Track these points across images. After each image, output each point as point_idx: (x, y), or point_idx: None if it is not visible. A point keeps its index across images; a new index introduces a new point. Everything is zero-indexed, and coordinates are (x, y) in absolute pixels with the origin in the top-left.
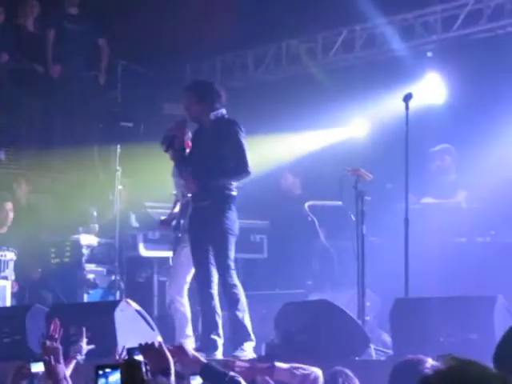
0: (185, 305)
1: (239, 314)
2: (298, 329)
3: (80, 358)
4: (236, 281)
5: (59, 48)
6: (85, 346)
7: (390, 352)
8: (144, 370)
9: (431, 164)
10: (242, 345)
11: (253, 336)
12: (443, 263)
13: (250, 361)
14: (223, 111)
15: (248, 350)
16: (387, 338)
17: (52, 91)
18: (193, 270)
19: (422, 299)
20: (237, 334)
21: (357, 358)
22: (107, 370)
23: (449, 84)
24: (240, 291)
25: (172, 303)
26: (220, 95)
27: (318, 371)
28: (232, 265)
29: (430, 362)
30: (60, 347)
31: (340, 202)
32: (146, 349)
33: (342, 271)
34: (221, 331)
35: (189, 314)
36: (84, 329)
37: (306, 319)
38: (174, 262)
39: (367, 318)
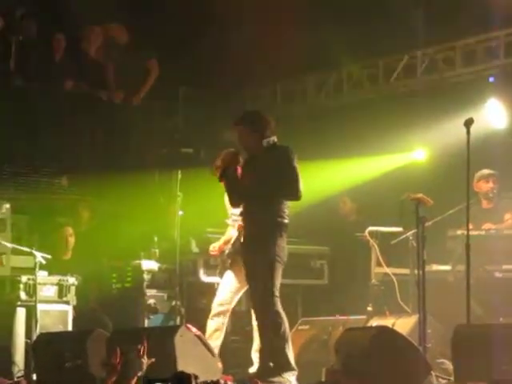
0: (222, 320)
1: (280, 342)
2: (359, 355)
3: (141, 374)
4: (279, 308)
5: (118, 77)
6: (145, 362)
7: (452, 379)
8: (194, 383)
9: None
10: (282, 373)
11: (294, 365)
12: (505, 289)
13: None
14: (274, 139)
15: (287, 379)
16: (448, 365)
17: (113, 117)
18: (238, 292)
19: (484, 326)
20: (276, 362)
21: None
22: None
23: (511, 109)
24: (282, 319)
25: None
26: (269, 122)
27: None
28: (276, 292)
29: None
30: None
31: (401, 228)
32: None
33: (403, 297)
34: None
35: (222, 332)
36: (145, 343)
37: (367, 345)
38: (222, 281)
39: (428, 345)
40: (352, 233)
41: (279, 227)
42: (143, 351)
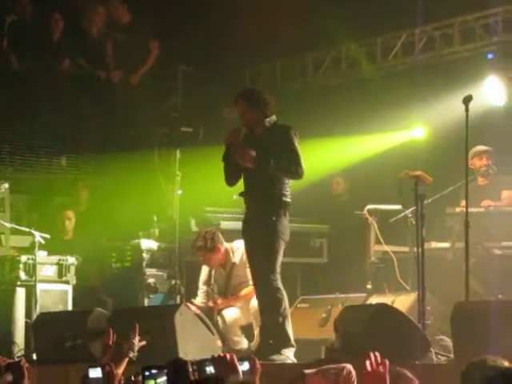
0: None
1: (280, 318)
2: (358, 332)
3: (132, 355)
4: (280, 285)
5: (118, 56)
6: (137, 343)
7: (451, 356)
8: (190, 369)
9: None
10: (281, 350)
11: (293, 342)
12: (504, 266)
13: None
14: (274, 118)
15: (286, 355)
16: (448, 342)
17: (112, 96)
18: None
19: (483, 302)
20: (276, 339)
21: (417, 362)
22: (153, 370)
23: (509, 86)
24: (283, 296)
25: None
26: (269, 102)
27: (348, 366)
28: (278, 268)
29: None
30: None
31: (400, 206)
32: (217, 360)
33: (402, 275)
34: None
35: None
36: (137, 325)
37: (366, 323)
38: None
39: (428, 322)
40: (350, 211)
41: (283, 206)
42: (135, 332)
